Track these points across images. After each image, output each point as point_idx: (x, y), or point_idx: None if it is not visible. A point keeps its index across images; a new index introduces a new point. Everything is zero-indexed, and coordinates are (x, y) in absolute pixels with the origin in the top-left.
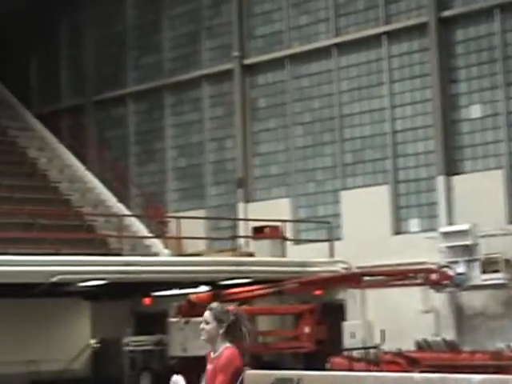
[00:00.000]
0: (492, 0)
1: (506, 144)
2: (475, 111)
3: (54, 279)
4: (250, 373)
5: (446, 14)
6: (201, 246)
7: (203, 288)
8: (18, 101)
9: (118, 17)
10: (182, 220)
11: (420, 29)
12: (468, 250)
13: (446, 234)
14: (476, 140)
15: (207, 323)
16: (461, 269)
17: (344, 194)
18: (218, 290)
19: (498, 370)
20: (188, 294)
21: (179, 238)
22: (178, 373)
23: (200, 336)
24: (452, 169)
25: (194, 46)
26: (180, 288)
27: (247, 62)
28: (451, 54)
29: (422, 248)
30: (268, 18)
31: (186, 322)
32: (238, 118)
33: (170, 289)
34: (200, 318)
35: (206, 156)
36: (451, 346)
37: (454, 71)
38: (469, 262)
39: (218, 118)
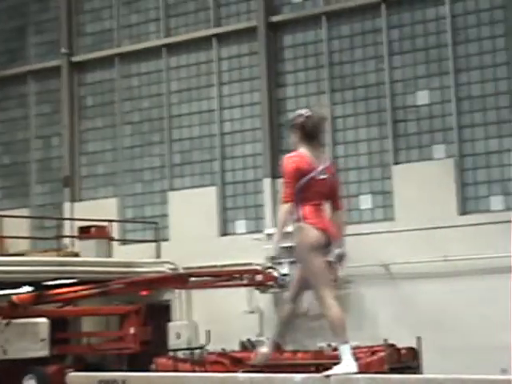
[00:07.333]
0: (319, 7)
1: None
2: None
3: None
4: (72, 375)
5: (275, 19)
6: (24, 245)
7: (26, 288)
8: None
9: None
10: (4, 219)
11: (249, 32)
12: (292, 251)
13: (271, 236)
14: None
15: None
16: (285, 270)
17: (171, 195)
18: (41, 290)
19: (320, 368)
20: (10, 294)
21: (1, 238)
22: None
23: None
24: (278, 171)
25: (21, 40)
26: (1, 289)
27: (76, 59)
28: (279, 59)
29: (249, 249)
30: (98, 16)
31: (8, 324)
32: (66, 116)
33: None
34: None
35: (31, 154)
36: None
37: (282, 76)
38: (292, 263)
39: (44, 116)
